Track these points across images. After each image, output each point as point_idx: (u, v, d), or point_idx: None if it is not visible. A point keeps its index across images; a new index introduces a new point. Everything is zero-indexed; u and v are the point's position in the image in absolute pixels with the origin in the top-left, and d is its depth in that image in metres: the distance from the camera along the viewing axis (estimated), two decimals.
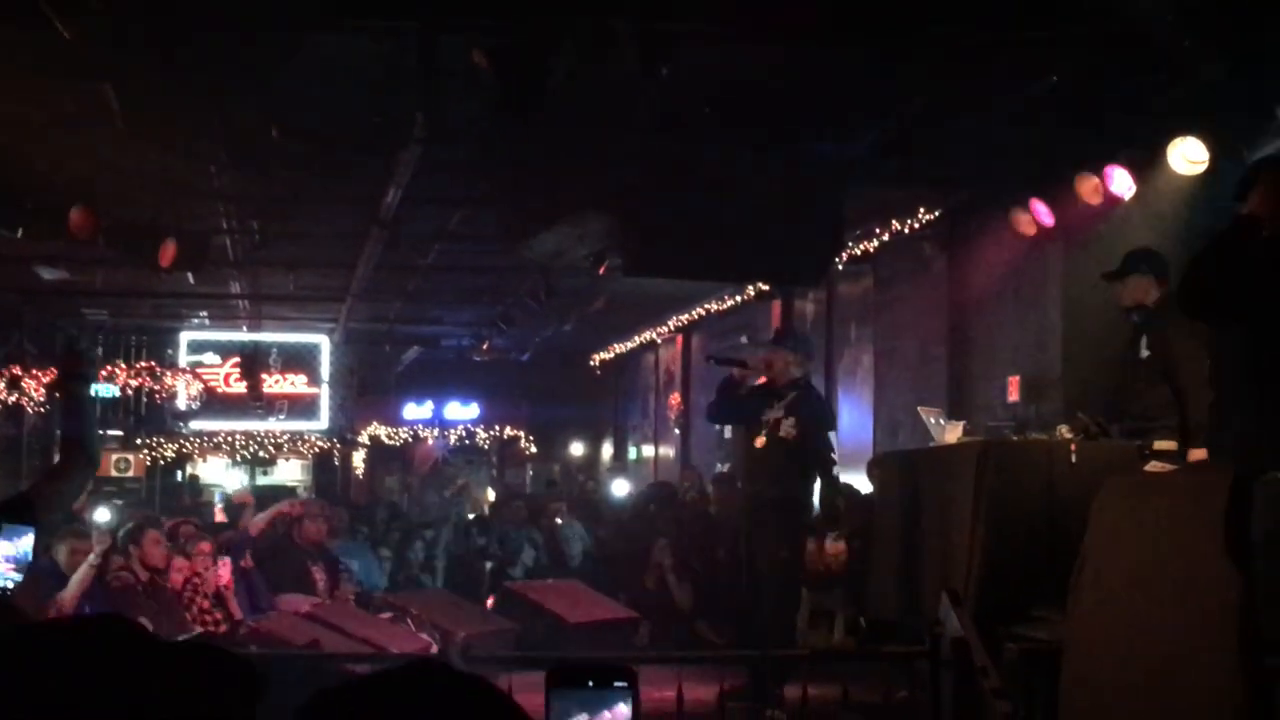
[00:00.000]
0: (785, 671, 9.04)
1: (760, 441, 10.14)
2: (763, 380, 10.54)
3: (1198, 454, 7.81)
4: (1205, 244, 6.05)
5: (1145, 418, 8.26)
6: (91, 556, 10.17)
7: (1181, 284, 6.03)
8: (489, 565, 14.21)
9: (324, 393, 26.49)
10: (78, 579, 10.03)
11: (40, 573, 10.01)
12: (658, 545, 13.32)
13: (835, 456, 10.59)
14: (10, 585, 4.97)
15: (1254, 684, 5.63)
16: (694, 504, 15.84)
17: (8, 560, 4.67)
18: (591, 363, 27.25)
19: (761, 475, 10.27)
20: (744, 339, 18.73)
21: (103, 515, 12.99)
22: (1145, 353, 8.50)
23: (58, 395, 8.03)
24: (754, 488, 10.38)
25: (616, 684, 2.09)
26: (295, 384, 26.08)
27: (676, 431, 23.48)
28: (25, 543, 4.95)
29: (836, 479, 10.56)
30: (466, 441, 28.48)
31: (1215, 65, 7.81)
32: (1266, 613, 5.53)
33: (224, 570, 11.05)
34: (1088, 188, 10.18)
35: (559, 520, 16.03)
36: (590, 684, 2.09)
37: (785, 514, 10.06)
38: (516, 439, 28.47)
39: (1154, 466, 7.65)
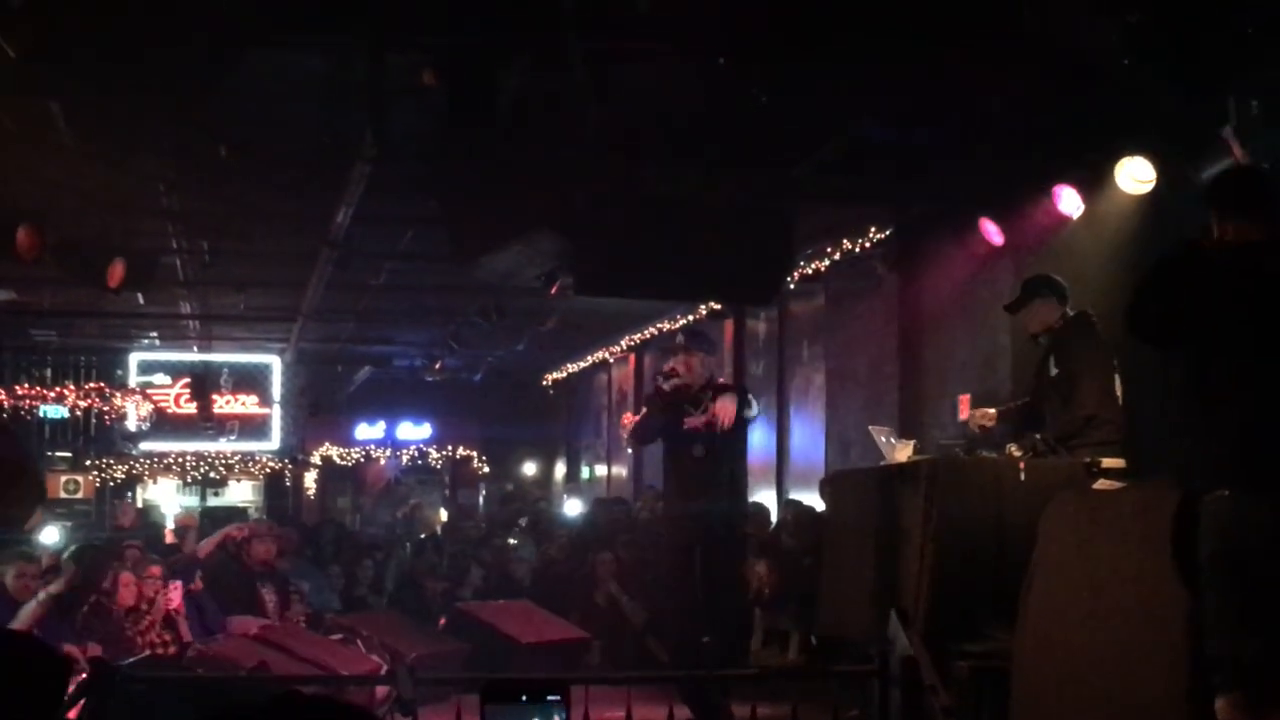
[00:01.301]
0: (729, 690, 8.92)
1: (700, 450, 9.74)
2: (674, 387, 9.83)
3: (1112, 463, 8.00)
4: (1151, 268, 6.08)
5: (1071, 437, 8.37)
6: (41, 595, 10.10)
7: (1130, 308, 6.07)
8: (440, 586, 14.15)
9: (275, 413, 26.37)
10: (28, 612, 9.95)
11: None
12: (600, 558, 13.29)
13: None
14: None
15: (1200, 700, 5.66)
16: (647, 522, 15.82)
17: None
18: (544, 382, 27.23)
19: (707, 488, 9.71)
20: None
21: (50, 536, 12.89)
22: (1054, 371, 8.68)
23: None
24: (699, 504, 9.95)
25: (549, 698, 2.11)
26: (246, 404, 25.96)
27: (629, 451, 23.46)
28: None
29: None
30: (419, 461, 28.42)
31: (1161, 86, 7.86)
32: (1211, 630, 5.55)
33: (175, 594, 10.97)
34: (1036, 207, 10.24)
35: (511, 540, 16.00)
36: (523, 698, 2.10)
37: (734, 529, 9.81)
38: (469, 459, 28.42)
39: (1102, 484, 7.68)
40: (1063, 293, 8.85)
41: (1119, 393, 8.52)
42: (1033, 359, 9.22)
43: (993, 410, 9.19)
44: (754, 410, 9.84)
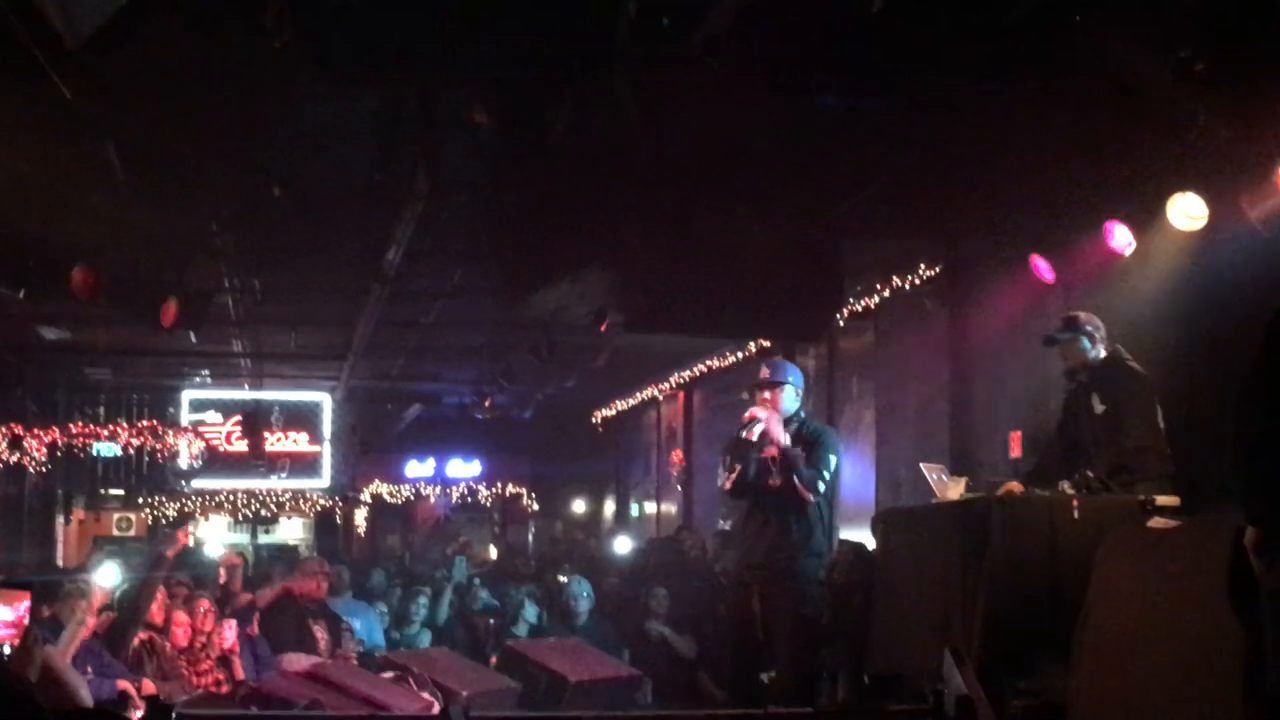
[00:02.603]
0: None
1: (776, 482, 9.43)
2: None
3: (1167, 500, 7.94)
4: None
5: (1124, 470, 8.32)
6: (77, 614, 10.12)
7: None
8: (491, 624, 14.13)
9: (326, 450, 26.47)
10: (67, 635, 9.98)
11: (41, 634, 9.98)
12: (654, 594, 13.25)
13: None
14: (6, 650, 4.95)
15: None
16: (698, 561, 15.80)
17: (4, 625, 4.66)
18: (593, 419, 27.21)
19: (767, 524, 9.53)
20: (745, 395, 18.67)
21: (107, 574, 12.92)
22: (1100, 408, 8.65)
23: None
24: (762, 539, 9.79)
25: None
26: (297, 442, 26.08)
27: (679, 488, 23.43)
28: (21, 605, 4.93)
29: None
30: (468, 499, 28.48)
31: (1213, 121, 7.83)
32: (1272, 666, 5.47)
33: (229, 632, 11.02)
34: (1087, 243, 10.19)
35: (563, 579, 15.96)
36: None
37: (797, 567, 9.59)
38: (518, 496, 28.45)
39: (1156, 522, 7.62)
40: (1101, 332, 8.86)
41: (1161, 426, 8.50)
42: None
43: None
44: (827, 464, 9.48)
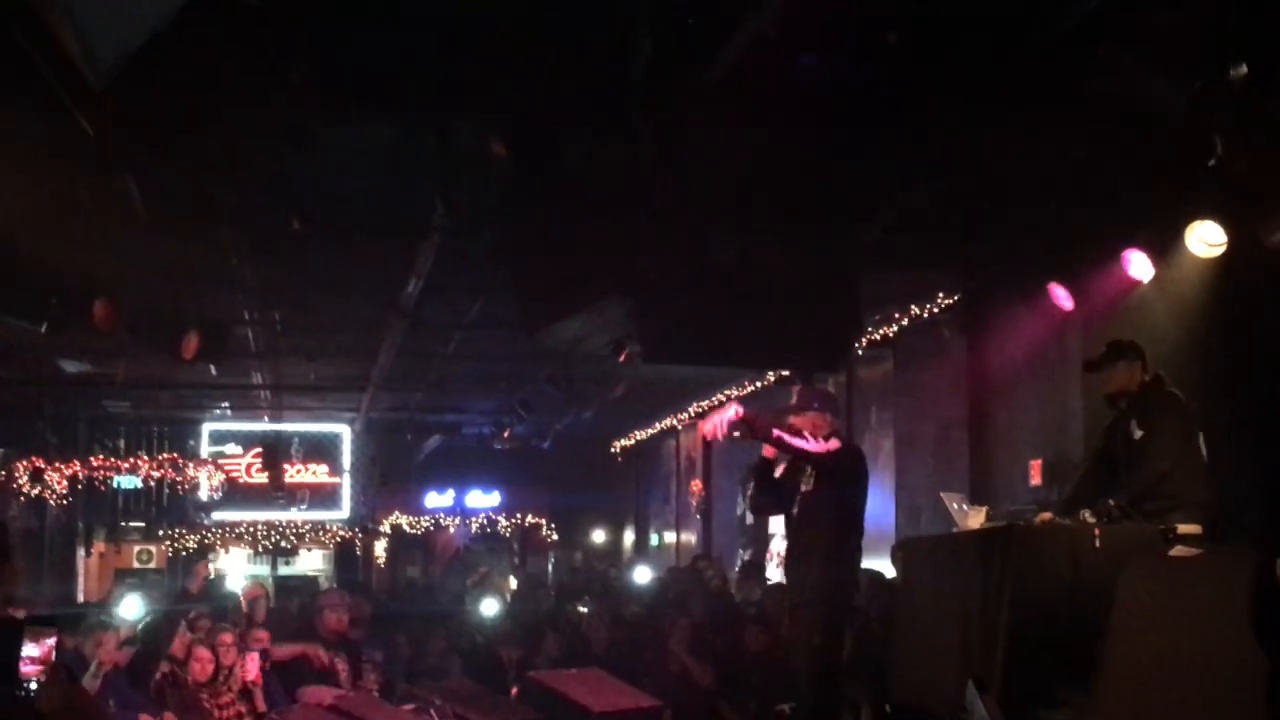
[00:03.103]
0: None
1: (795, 509, 9.37)
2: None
3: (1188, 529, 7.89)
4: None
5: (1162, 496, 8.26)
6: (106, 648, 10.14)
7: None
8: (513, 655, 14.12)
9: (345, 482, 26.54)
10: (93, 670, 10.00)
11: (68, 669, 10.01)
12: (677, 624, 13.22)
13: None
14: (34, 686, 4.97)
15: None
16: (718, 590, 15.81)
17: (32, 662, 4.69)
18: (612, 449, 27.22)
19: (793, 550, 9.49)
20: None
21: (130, 607, 12.94)
22: (1138, 434, 8.59)
23: None
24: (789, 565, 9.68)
25: None
26: (317, 474, 26.14)
27: (698, 518, 23.41)
28: (50, 642, 4.96)
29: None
30: (488, 530, 28.46)
31: (1231, 148, 7.83)
32: None
33: (251, 665, 11.02)
34: (1106, 271, 10.19)
35: (583, 609, 15.95)
36: None
37: (821, 594, 9.49)
38: (538, 527, 28.43)
39: (1179, 551, 7.60)
40: (1142, 356, 8.83)
41: (1204, 451, 8.44)
42: (1106, 422, 9.15)
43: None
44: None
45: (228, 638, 11.17)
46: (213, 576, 21.43)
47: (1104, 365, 8.98)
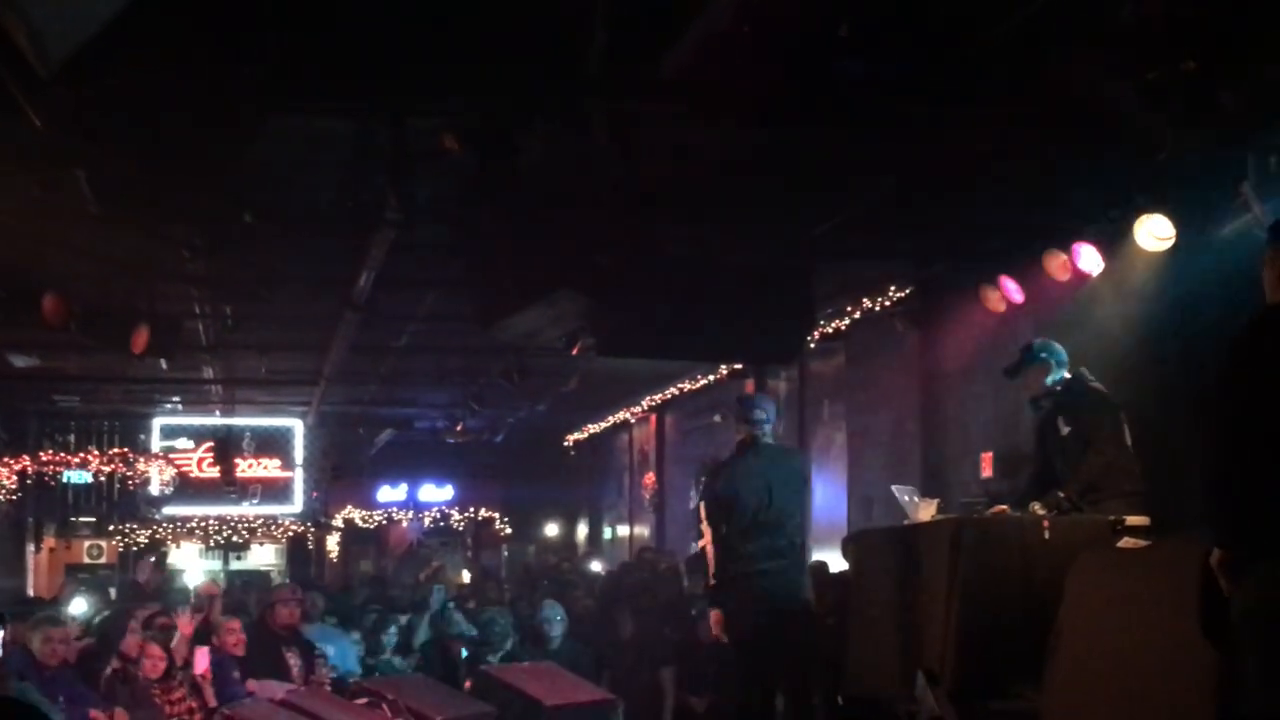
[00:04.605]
0: None
1: None
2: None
3: (1137, 520, 7.99)
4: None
5: (1093, 489, 8.38)
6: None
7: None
8: (464, 650, 14.11)
9: (298, 476, 26.43)
10: None
11: (12, 663, 9.97)
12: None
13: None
14: None
15: None
16: (667, 573, 15.90)
17: None
18: (565, 443, 27.23)
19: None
20: (717, 418, 18.77)
21: (79, 606, 12.89)
22: (1065, 429, 8.75)
23: None
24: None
25: None
26: (269, 468, 26.04)
27: (651, 511, 23.45)
28: None
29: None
30: (441, 524, 28.43)
31: (1180, 143, 7.89)
32: (1244, 689, 5.49)
33: (201, 659, 10.98)
34: (1056, 264, 10.25)
35: (541, 602, 15.95)
36: None
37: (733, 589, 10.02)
38: (491, 520, 28.42)
39: (1127, 542, 7.67)
40: (1060, 357, 8.97)
41: (1129, 443, 8.57)
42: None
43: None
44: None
45: (187, 629, 11.14)
46: (166, 574, 21.36)
47: (1017, 370, 9.20)
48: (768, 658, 9.76)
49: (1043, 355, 8.99)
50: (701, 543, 10.35)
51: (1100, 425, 8.60)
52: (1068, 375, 8.94)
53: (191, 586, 16.77)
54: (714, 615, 10.01)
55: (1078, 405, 8.77)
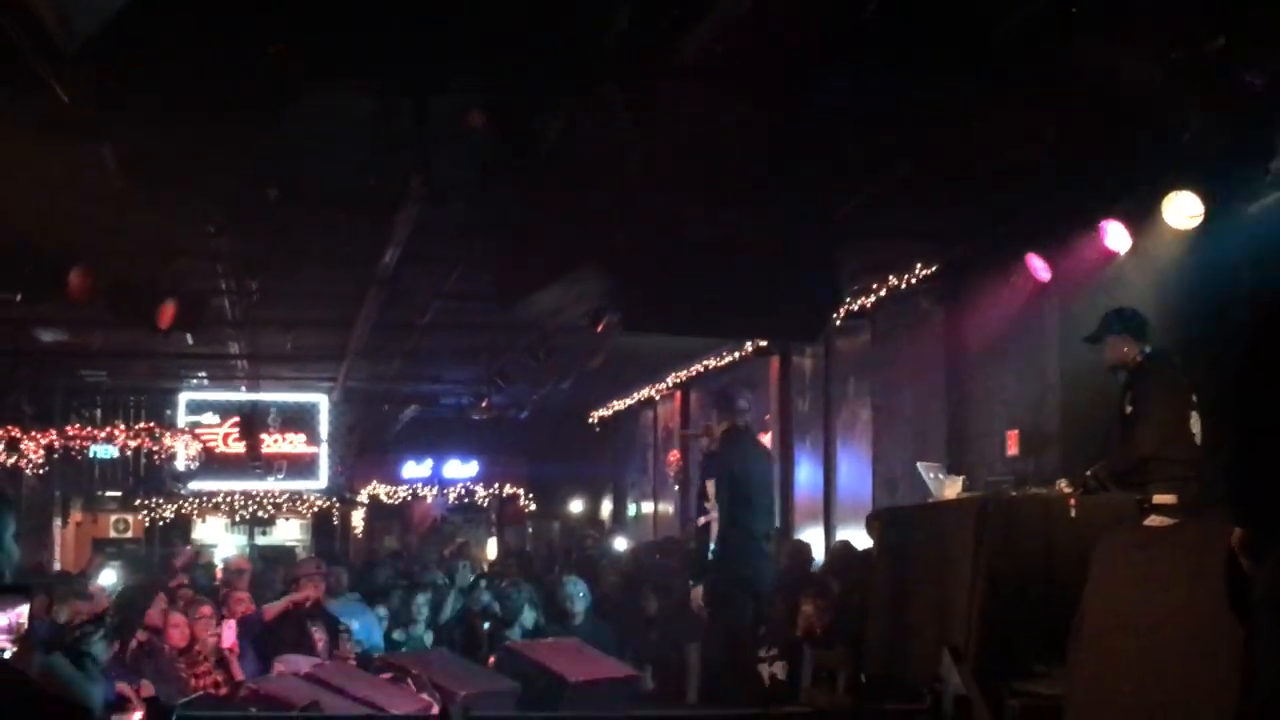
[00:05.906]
0: None
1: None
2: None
3: (1164, 498, 7.90)
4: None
5: (1138, 472, 8.27)
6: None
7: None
8: (488, 625, 14.13)
9: (323, 452, 26.49)
10: None
11: (41, 635, 10.01)
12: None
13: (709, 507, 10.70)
14: (7, 654, 4.97)
15: None
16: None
17: (1, 630, 4.68)
18: (590, 420, 27.19)
19: None
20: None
21: (108, 578, 12.94)
22: (1129, 409, 8.54)
23: None
24: None
25: None
26: (294, 443, 26.10)
27: (675, 488, 23.43)
28: (20, 610, 4.94)
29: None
30: (465, 500, 28.48)
31: (1207, 121, 7.85)
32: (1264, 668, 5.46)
33: (228, 633, 11.02)
34: (1084, 242, 10.21)
35: (564, 578, 15.97)
36: None
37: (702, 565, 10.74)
38: (515, 497, 28.46)
39: (1153, 520, 7.62)
40: (1139, 329, 8.71)
41: (1196, 431, 8.39)
42: (1083, 393, 9.18)
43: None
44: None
45: (207, 610, 11.17)
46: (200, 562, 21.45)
47: (1097, 338, 8.93)
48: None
49: (1119, 325, 8.75)
50: (705, 519, 10.69)
51: (1151, 415, 8.38)
52: (1148, 350, 8.68)
53: (219, 562, 16.84)
54: (695, 591, 10.62)
55: (1145, 387, 8.52)
